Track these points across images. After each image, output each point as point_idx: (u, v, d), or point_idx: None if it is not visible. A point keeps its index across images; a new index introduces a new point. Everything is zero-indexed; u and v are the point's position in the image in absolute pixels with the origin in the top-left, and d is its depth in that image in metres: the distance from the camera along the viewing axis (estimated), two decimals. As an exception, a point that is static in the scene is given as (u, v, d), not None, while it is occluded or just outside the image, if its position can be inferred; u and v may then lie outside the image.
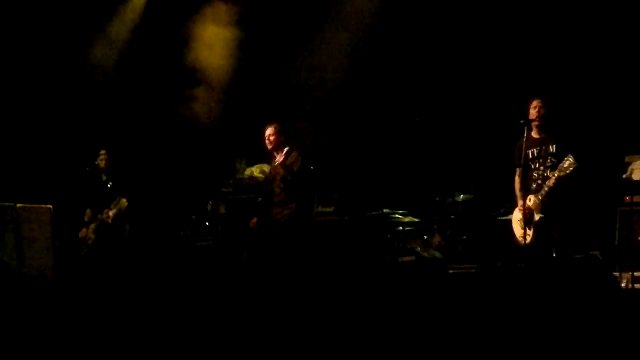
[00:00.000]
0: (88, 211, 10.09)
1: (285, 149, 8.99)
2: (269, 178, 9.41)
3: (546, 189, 7.65)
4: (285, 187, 8.96)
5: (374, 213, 10.42)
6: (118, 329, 5.93)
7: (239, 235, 10.24)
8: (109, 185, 10.03)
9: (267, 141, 9.06)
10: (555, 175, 7.55)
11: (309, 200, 9.45)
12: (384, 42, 11.32)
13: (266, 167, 10.38)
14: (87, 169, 10.06)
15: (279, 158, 8.96)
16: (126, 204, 9.97)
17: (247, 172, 10.98)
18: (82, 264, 9.91)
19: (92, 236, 9.95)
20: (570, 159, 7.44)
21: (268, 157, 9.53)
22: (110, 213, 9.89)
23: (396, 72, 11.40)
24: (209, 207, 11.13)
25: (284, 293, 7.74)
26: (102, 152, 10.15)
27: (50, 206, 10.12)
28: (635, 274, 8.52)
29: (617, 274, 8.42)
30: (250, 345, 5.53)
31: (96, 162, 10.10)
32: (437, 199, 10.78)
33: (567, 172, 7.45)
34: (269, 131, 9.06)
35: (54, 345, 5.49)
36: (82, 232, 10.00)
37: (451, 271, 9.49)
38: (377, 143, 11.19)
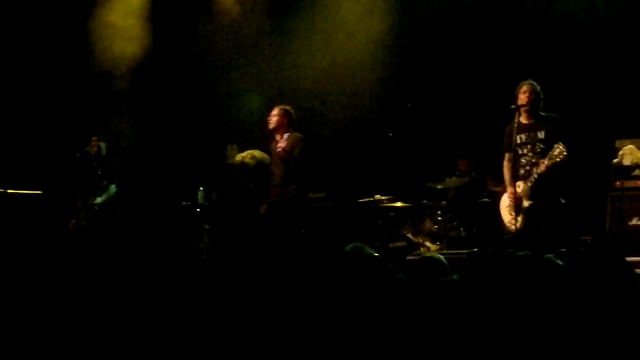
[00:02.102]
0: (79, 200, 10.06)
1: (286, 134, 8.91)
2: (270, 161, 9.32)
3: (535, 176, 7.60)
4: (285, 170, 8.88)
5: (365, 199, 10.41)
6: (110, 314, 5.90)
7: (231, 222, 10.22)
8: (99, 173, 10.00)
9: (270, 120, 8.97)
10: (545, 162, 7.51)
11: (304, 185, 9.39)
12: (374, 28, 11.28)
13: (257, 153, 10.34)
14: (78, 155, 10.02)
15: (281, 143, 8.88)
16: (115, 190, 9.94)
17: (238, 157, 10.93)
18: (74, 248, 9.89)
19: (83, 222, 9.93)
20: (560, 146, 7.39)
21: (266, 141, 9.33)
22: (98, 200, 9.87)
23: (387, 57, 11.37)
24: (200, 194, 11.10)
25: (273, 276, 7.70)
26: (94, 138, 10.11)
27: (40, 192, 10.12)
28: (627, 259, 8.49)
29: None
30: (239, 328, 5.50)
31: (87, 149, 10.07)
32: (428, 184, 10.75)
33: (557, 160, 7.40)
34: (274, 111, 8.96)
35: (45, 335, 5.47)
36: (72, 224, 9.97)
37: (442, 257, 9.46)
38: (368, 129, 11.16)
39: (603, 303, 4.77)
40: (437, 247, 10.12)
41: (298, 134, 8.94)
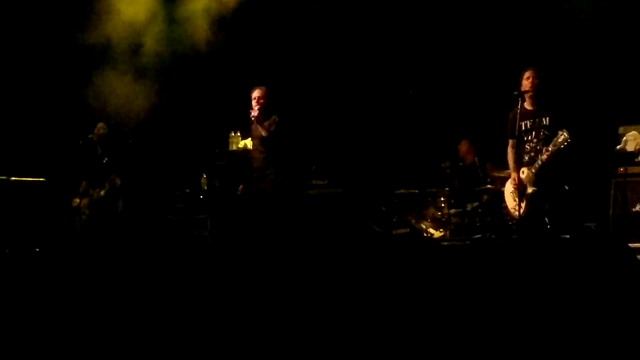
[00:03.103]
0: (84, 183, 10.06)
1: (270, 118, 8.84)
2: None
3: (539, 162, 7.59)
4: (265, 150, 8.82)
5: (369, 186, 10.41)
6: (111, 305, 5.91)
7: (232, 208, 10.20)
8: (104, 161, 9.97)
9: (255, 103, 8.87)
10: (549, 149, 7.50)
11: (294, 169, 9.35)
12: (377, 12, 11.25)
13: (259, 140, 10.33)
14: (81, 142, 10.01)
15: (264, 127, 8.80)
16: (119, 182, 9.91)
17: (241, 144, 10.91)
18: (77, 239, 9.89)
19: (87, 211, 9.92)
20: (564, 133, 7.38)
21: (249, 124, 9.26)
22: (102, 192, 9.85)
23: (389, 42, 11.34)
24: (203, 180, 11.09)
25: (269, 264, 7.70)
26: (101, 124, 10.09)
27: (43, 179, 10.11)
28: (630, 245, 8.49)
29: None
30: (237, 318, 5.51)
31: (90, 136, 10.04)
32: (445, 164, 10.71)
33: (561, 146, 7.40)
34: (257, 93, 8.88)
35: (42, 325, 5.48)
36: (75, 202, 9.96)
37: (445, 243, 9.47)
38: (371, 116, 11.14)
39: (605, 288, 4.78)
40: (441, 233, 10.13)
41: (275, 116, 8.88)
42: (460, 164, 10.75)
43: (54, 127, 11.30)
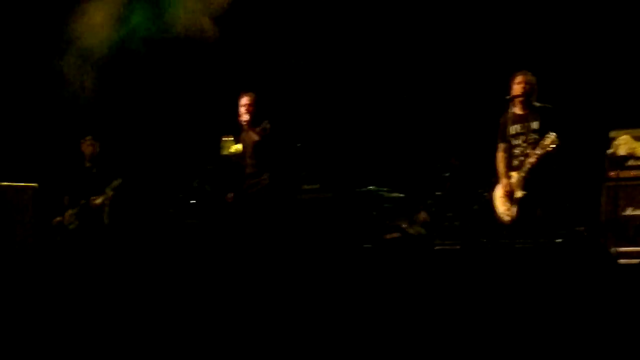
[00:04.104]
0: (65, 198, 10.01)
1: (260, 125, 8.83)
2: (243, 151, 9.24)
3: (528, 165, 7.60)
4: (257, 156, 8.81)
5: (360, 190, 10.39)
6: (100, 310, 5.91)
7: (224, 212, 10.19)
8: (93, 171, 9.93)
9: (244, 110, 8.84)
10: (536, 152, 7.51)
11: (287, 175, 9.33)
12: (367, 19, 11.27)
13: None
14: (70, 154, 9.99)
15: (255, 133, 8.78)
16: (117, 183, 9.85)
17: (233, 149, 10.90)
18: (62, 247, 9.85)
19: (75, 222, 9.87)
20: (551, 136, 7.39)
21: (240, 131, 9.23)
22: (97, 201, 9.80)
23: (380, 48, 11.35)
24: (195, 185, 11.08)
25: (261, 270, 7.70)
26: (88, 137, 10.04)
27: (36, 185, 10.08)
28: (620, 249, 8.51)
29: (614, 249, 8.37)
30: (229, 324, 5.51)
31: (82, 149, 10.01)
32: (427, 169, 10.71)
33: (549, 149, 7.40)
34: (245, 100, 8.86)
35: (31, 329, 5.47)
36: (56, 220, 9.91)
37: (437, 247, 9.46)
38: (362, 119, 11.15)
39: (586, 292, 4.78)
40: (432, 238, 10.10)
41: (266, 121, 8.85)
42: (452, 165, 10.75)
43: (44, 137, 11.28)
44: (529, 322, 5.07)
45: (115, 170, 9.99)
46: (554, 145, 7.37)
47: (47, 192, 10.35)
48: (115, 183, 9.84)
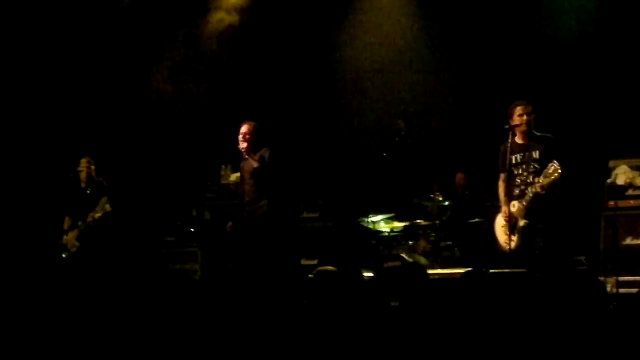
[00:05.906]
0: (67, 219, 10.00)
1: (259, 152, 8.83)
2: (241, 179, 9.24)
3: (530, 195, 7.60)
4: (255, 182, 8.81)
5: (359, 219, 10.41)
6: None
7: (223, 241, 10.18)
8: (87, 192, 9.92)
9: (241, 138, 8.88)
10: (540, 181, 7.51)
11: (286, 201, 9.33)
12: (364, 46, 11.39)
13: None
14: (71, 175, 9.98)
15: (253, 162, 8.79)
16: (109, 208, 9.83)
17: (232, 177, 10.92)
18: (65, 268, 9.81)
19: (76, 243, 9.86)
20: (554, 164, 7.39)
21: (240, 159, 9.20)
22: (96, 215, 9.79)
23: (380, 75, 11.45)
24: (194, 213, 11.08)
25: (261, 294, 7.67)
26: (83, 160, 10.03)
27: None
28: (620, 278, 8.54)
29: (602, 278, 8.40)
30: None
31: (78, 169, 10.01)
32: (415, 200, 10.72)
33: (552, 178, 7.41)
34: (244, 129, 8.89)
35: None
36: (64, 239, 9.92)
37: (436, 276, 9.46)
38: (360, 148, 11.18)
39: (578, 321, 4.79)
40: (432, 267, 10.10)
41: (266, 148, 8.87)
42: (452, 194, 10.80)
43: (41, 159, 11.26)
44: (530, 351, 5.07)
45: (108, 192, 9.96)
46: (557, 174, 7.38)
47: (47, 212, 10.32)
48: (103, 201, 9.83)
